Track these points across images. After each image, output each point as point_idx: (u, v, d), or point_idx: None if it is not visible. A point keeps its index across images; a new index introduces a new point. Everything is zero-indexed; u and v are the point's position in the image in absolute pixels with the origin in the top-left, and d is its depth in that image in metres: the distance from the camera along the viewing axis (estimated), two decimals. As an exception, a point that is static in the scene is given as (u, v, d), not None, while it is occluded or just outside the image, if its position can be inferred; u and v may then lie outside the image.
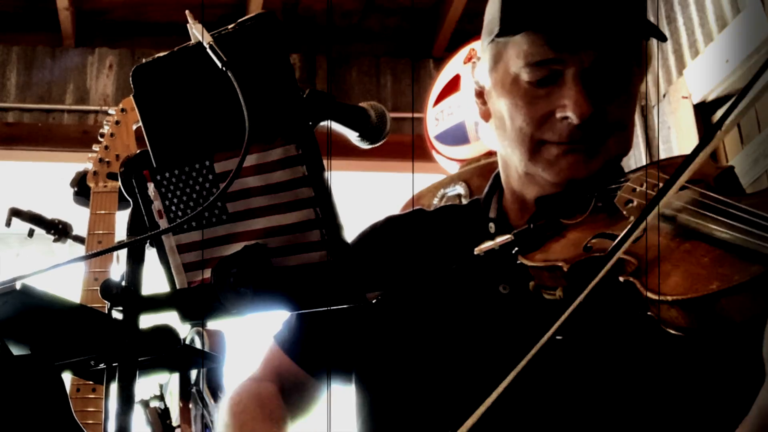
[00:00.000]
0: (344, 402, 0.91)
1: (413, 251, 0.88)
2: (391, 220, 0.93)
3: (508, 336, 0.77)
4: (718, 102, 2.04)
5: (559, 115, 0.76)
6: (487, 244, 0.75)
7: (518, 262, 0.72)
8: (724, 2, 2.02)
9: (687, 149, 2.14)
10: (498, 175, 0.89)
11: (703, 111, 2.07)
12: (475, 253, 0.75)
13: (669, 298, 0.59)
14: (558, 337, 0.72)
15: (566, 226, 0.73)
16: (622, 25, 0.76)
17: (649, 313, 0.61)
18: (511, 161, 0.83)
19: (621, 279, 0.63)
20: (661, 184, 0.66)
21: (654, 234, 0.65)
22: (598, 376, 0.72)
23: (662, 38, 0.77)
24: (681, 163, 0.63)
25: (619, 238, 0.62)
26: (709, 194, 0.65)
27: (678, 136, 2.16)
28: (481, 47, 0.84)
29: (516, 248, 0.73)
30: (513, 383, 0.60)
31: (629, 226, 0.62)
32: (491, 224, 0.85)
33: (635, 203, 0.70)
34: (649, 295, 0.60)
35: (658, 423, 0.71)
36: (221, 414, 0.90)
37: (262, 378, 0.91)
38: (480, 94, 0.85)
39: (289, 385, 0.90)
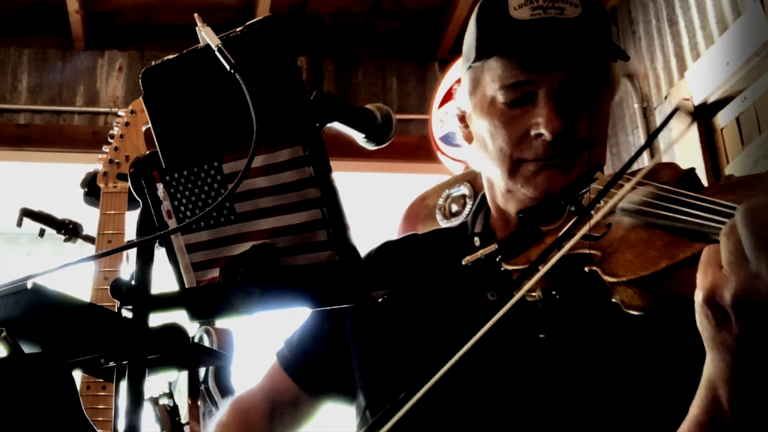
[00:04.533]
0: (339, 417, 0.94)
1: (408, 268, 0.92)
2: (385, 245, 0.98)
3: (499, 341, 0.79)
4: (719, 104, 2.04)
5: (533, 132, 0.80)
6: (474, 255, 0.79)
7: (502, 269, 0.75)
8: (724, 5, 2.02)
9: (688, 149, 2.15)
10: (483, 196, 0.94)
11: (703, 112, 2.07)
12: (463, 263, 0.79)
13: (624, 278, 0.63)
14: (541, 336, 0.76)
15: (545, 233, 0.77)
16: (587, 48, 0.81)
17: (612, 299, 0.65)
18: (495, 180, 0.88)
19: (586, 269, 0.67)
20: (623, 185, 0.71)
21: (618, 228, 0.70)
22: (573, 367, 0.76)
23: (625, 58, 0.82)
24: (627, 162, 0.68)
25: (560, 233, 0.67)
26: (665, 187, 0.70)
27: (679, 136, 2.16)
28: (461, 74, 0.89)
29: (499, 256, 0.76)
30: (488, 374, 0.65)
31: (572, 221, 0.67)
32: (476, 238, 0.90)
33: (601, 203, 0.74)
34: (607, 278, 0.65)
35: (635, 405, 0.73)
36: (211, 424, 0.95)
37: (257, 394, 0.95)
38: (462, 118, 0.90)
39: (283, 402, 0.93)
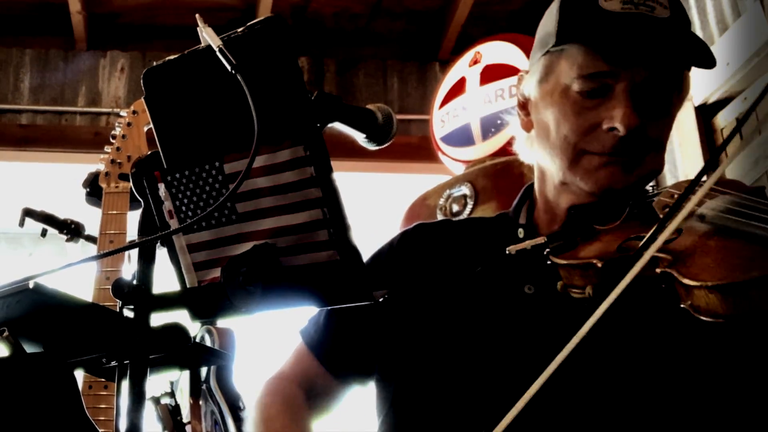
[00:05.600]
0: (364, 401, 0.93)
1: (443, 254, 0.90)
2: (420, 226, 0.96)
3: (532, 335, 0.78)
4: (719, 104, 2.04)
5: (605, 126, 0.78)
6: (520, 245, 0.77)
7: (549, 262, 0.73)
8: (724, 6, 2.02)
9: (688, 150, 2.14)
10: (528, 188, 0.92)
11: (704, 113, 2.08)
12: (507, 252, 0.77)
13: (709, 283, 0.60)
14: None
15: (599, 232, 0.75)
16: (675, 49, 0.79)
17: (682, 305, 0.63)
18: (549, 171, 0.85)
19: (657, 270, 0.64)
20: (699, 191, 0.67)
21: (691, 233, 0.67)
22: (633, 372, 0.74)
23: (712, 64, 0.78)
24: (704, 164, 0.66)
25: (649, 234, 0.64)
26: (745, 197, 0.68)
27: (680, 137, 2.16)
28: (530, 61, 0.87)
29: (548, 249, 0.74)
30: (548, 381, 0.61)
31: (658, 222, 0.64)
32: (521, 230, 0.88)
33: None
34: (687, 281, 0.61)
35: (694, 414, 0.72)
36: (251, 409, 0.92)
37: (291, 379, 0.93)
38: (523, 105, 0.88)
39: (315, 387, 0.92)
